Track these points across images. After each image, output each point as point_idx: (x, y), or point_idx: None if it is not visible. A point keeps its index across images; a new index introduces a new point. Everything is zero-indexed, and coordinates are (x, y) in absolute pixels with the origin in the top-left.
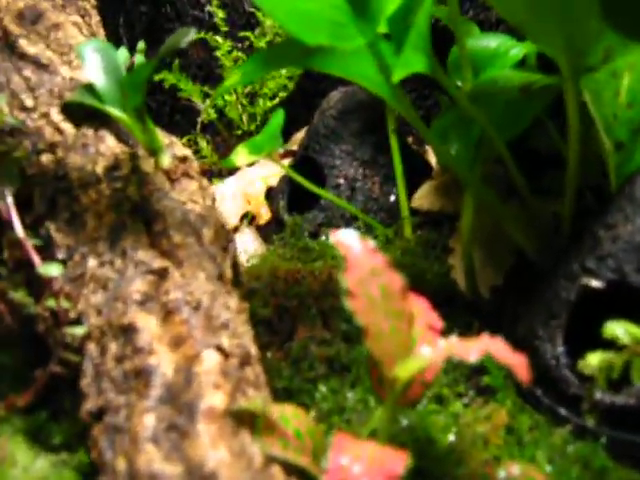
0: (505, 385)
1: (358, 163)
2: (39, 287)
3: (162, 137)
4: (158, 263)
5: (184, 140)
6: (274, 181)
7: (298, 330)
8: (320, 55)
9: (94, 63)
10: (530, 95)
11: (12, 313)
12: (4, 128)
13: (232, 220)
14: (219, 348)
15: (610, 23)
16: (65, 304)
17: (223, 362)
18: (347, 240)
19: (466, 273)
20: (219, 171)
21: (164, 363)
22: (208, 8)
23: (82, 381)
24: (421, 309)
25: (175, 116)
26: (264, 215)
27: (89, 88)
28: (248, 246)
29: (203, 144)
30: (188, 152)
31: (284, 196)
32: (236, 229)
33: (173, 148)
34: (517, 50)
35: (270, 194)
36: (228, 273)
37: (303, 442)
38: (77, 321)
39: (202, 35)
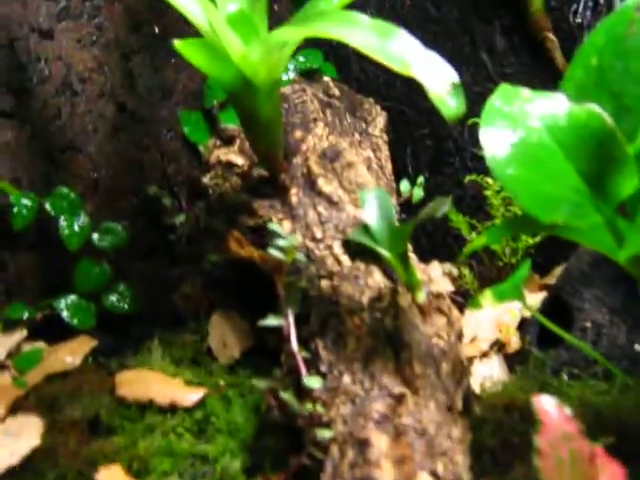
0: None
1: (607, 310)
2: (304, 391)
3: (422, 274)
4: (398, 389)
5: (448, 265)
6: (530, 312)
7: (515, 467)
8: (561, 227)
9: (372, 208)
10: None
11: (280, 408)
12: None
13: (483, 345)
14: (434, 473)
15: None
16: (320, 409)
17: None
18: (546, 406)
19: None
20: None
21: (386, 476)
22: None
23: (322, 477)
24: (615, 476)
25: (447, 239)
26: (513, 344)
27: (365, 228)
28: (493, 373)
29: (466, 271)
30: (443, 290)
31: (534, 329)
32: (485, 354)
33: (430, 285)
34: None
35: (523, 324)
36: (458, 405)
37: None
38: (327, 425)
39: (475, 177)
